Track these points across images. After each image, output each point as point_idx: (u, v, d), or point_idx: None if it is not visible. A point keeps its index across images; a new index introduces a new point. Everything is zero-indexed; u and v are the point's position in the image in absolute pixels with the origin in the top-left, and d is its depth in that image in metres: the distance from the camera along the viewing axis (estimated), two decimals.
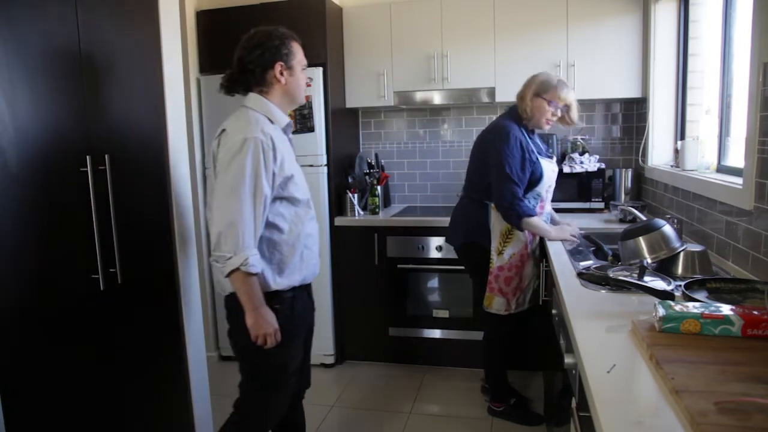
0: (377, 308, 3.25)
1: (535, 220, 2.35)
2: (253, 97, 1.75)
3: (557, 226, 2.44)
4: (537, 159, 2.41)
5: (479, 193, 2.51)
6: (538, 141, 2.56)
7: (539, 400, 2.78)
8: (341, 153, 3.35)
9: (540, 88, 2.39)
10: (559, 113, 2.41)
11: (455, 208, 2.67)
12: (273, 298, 1.71)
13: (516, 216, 2.33)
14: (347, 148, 3.50)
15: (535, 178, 2.40)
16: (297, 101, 1.83)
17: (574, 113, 2.44)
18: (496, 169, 2.35)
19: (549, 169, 2.46)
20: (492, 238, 2.47)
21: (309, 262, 1.81)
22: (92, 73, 1.79)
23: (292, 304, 1.77)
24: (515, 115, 2.46)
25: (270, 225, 1.70)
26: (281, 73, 1.73)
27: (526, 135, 2.44)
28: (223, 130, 1.69)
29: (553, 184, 2.54)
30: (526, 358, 3.08)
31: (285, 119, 1.78)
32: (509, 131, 2.37)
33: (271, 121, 1.73)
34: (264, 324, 1.66)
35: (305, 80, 1.82)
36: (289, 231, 1.73)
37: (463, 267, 2.80)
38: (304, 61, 1.81)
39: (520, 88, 2.47)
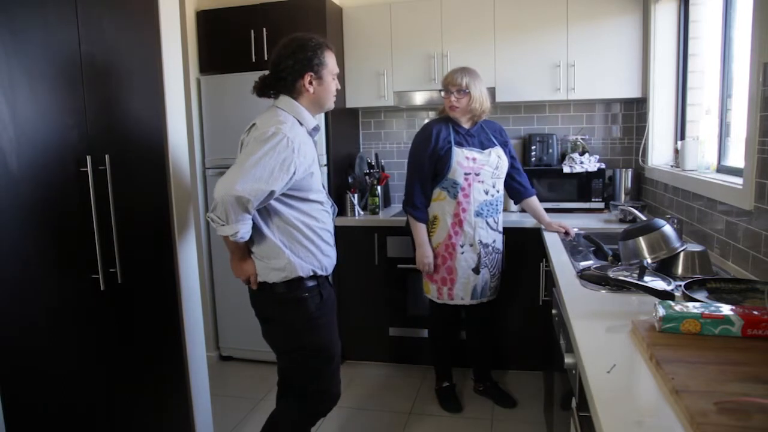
0: (377, 308, 3.25)
1: (415, 223, 2.59)
2: (284, 99, 1.83)
3: (423, 248, 2.59)
4: (449, 149, 2.51)
5: None
6: (487, 131, 2.63)
7: (539, 400, 2.79)
8: (341, 153, 3.35)
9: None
10: (453, 99, 2.50)
11: None
12: (300, 287, 1.82)
13: (409, 204, 2.61)
14: (347, 148, 3.50)
15: (442, 165, 2.52)
16: (325, 107, 1.92)
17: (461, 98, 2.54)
18: (407, 161, 2.67)
19: (463, 157, 2.51)
20: None
21: (327, 253, 1.90)
22: (92, 73, 1.79)
23: (320, 291, 1.87)
24: (442, 114, 2.65)
25: (288, 220, 1.79)
26: (310, 83, 1.81)
27: (450, 128, 2.56)
28: (254, 124, 1.77)
29: (486, 173, 2.55)
30: (526, 358, 3.08)
31: (313, 122, 1.86)
32: (425, 127, 2.62)
33: (300, 123, 1.80)
34: (244, 271, 1.85)
35: (335, 87, 1.90)
36: (306, 225, 1.82)
37: None
38: (336, 70, 1.89)
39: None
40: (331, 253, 1.94)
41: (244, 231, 1.71)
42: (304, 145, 1.76)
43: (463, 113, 2.54)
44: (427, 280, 2.71)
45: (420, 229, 2.59)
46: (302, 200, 1.81)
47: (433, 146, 2.52)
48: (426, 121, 3.65)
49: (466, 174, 2.52)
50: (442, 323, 2.82)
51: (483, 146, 2.57)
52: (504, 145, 2.64)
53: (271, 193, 1.69)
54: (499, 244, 2.67)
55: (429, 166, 2.54)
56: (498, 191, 2.61)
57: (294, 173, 1.71)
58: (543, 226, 2.68)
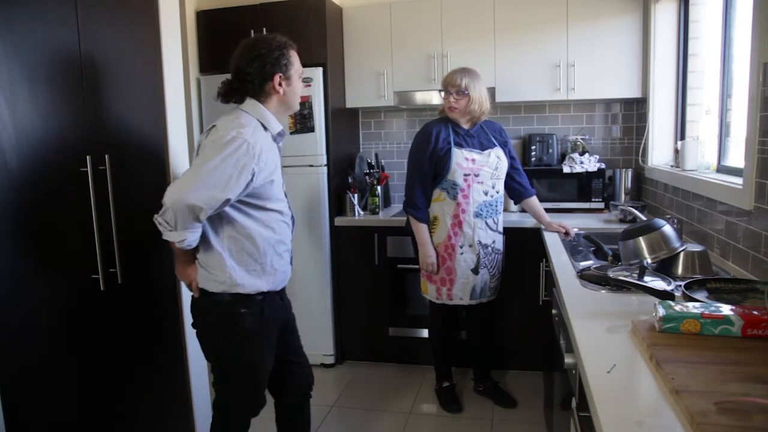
0: (377, 308, 3.25)
1: (417, 224, 2.59)
2: (249, 102, 1.74)
3: (425, 247, 2.59)
4: (449, 150, 2.51)
5: None
6: (487, 132, 2.63)
7: (539, 400, 2.79)
8: (341, 153, 3.34)
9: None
10: (452, 99, 2.51)
11: None
12: (242, 300, 1.73)
13: (409, 204, 2.60)
14: (347, 148, 3.50)
15: (441, 166, 2.52)
16: (292, 109, 1.84)
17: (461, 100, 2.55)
18: (407, 162, 2.68)
19: (462, 158, 2.51)
20: None
21: (279, 269, 1.80)
22: (92, 73, 1.79)
23: (262, 307, 1.77)
24: (441, 115, 2.65)
25: (241, 229, 1.70)
26: (279, 84, 1.73)
27: (450, 129, 2.56)
28: (214, 126, 1.68)
29: (485, 174, 2.54)
30: (526, 358, 3.08)
31: (278, 127, 1.78)
32: (425, 128, 2.60)
33: (265, 128, 1.72)
34: (187, 275, 1.77)
35: (301, 87, 1.83)
36: (260, 236, 1.73)
37: None
38: (302, 69, 1.82)
39: None
40: (285, 267, 1.84)
41: (191, 239, 1.63)
42: (267, 152, 1.67)
43: (462, 114, 2.53)
44: (426, 281, 2.70)
45: (422, 229, 2.59)
46: (260, 209, 1.72)
47: (433, 147, 2.52)
48: (427, 121, 3.65)
49: (465, 175, 2.52)
50: (441, 323, 2.82)
51: (483, 147, 2.57)
52: (504, 146, 2.64)
53: (227, 200, 1.60)
54: (499, 245, 2.67)
55: (429, 166, 2.54)
56: (498, 192, 2.61)
57: (252, 180, 1.62)
58: (543, 226, 2.68)
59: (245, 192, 1.64)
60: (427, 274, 2.67)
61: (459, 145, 2.53)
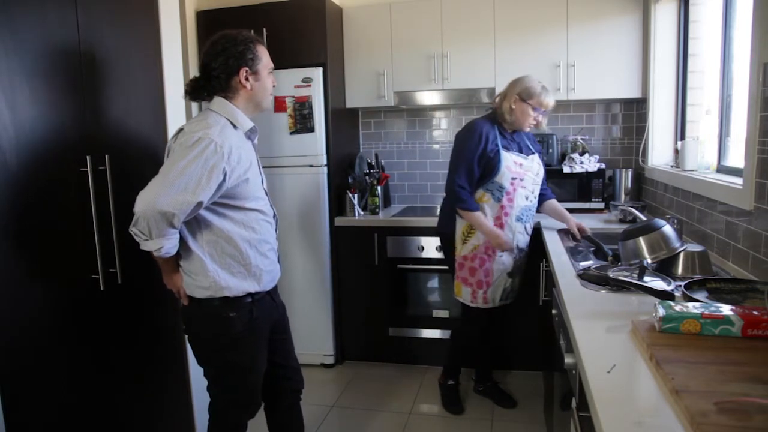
0: (377, 308, 3.25)
1: (472, 214, 2.48)
2: (217, 101, 1.70)
3: (500, 230, 2.51)
4: (498, 152, 2.47)
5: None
6: (524, 138, 2.62)
7: (539, 400, 2.79)
8: (341, 153, 3.34)
9: (525, 93, 2.47)
10: (540, 118, 2.50)
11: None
12: (230, 304, 1.70)
13: (455, 200, 2.50)
14: (347, 148, 3.50)
15: (490, 168, 2.47)
16: (262, 106, 1.78)
17: (546, 119, 2.58)
18: (451, 159, 2.57)
19: (512, 161, 2.49)
20: (456, 227, 2.59)
21: (265, 269, 1.77)
22: (92, 73, 1.79)
23: (251, 309, 1.74)
24: (492, 114, 2.58)
25: (219, 232, 1.67)
26: (246, 79, 1.69)
27: (497, 130, 2.52)
28: (181, 129, 1.65)
29: (528, 179, 2.53)
30: (526, 358, 3.08)
31: (248, 124, 1.73)
32: (474, 127, 2.51)
33: (235, 126, 1.68)
34: (174, 283, 1.74)
35: (272, 84, 1.78)
36: (240, 237, 1.69)
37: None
38: (271, 65, 1.77)
39: (503, 89, 2.56)
40: (272, 267, 1.80)
41: (169, 246, 1.59)
42: (238, 149, 1.62)
43: (520, 126, 2.52)
44: (461, 283, 2.62)
45: (479, 216, 2.48)
46: (237, 209, 1.68)
47: (483, 147, 2.46)
48: (427, 121, 3.65)
49: (512, 178, 2.48)
50: (475, 326, 2.70)
51: (523, 151, 2.56)
52: (539, 153, 2.65)
53: (199, 204, 1.55)
54: (527, 249, 2.65)
55: (478, 167, 2.48)
56: (535, 197, 2.60)
57: (224, 180, 1.58)
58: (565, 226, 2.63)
59: (219, 193, 1.60)
60: (463, 278, 2.61)
61: (506, 148, 2.50)
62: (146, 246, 1.58)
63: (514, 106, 2.47)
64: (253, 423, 1.91)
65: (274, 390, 1.96)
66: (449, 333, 3.01)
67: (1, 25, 1.51)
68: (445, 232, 2.66)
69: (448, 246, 2.67)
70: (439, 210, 2.82)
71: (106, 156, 1.78)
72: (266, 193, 1.80)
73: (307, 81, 3.04)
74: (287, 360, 1.98)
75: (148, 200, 1.51)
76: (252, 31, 3.09)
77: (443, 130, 3.65)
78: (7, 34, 1.53)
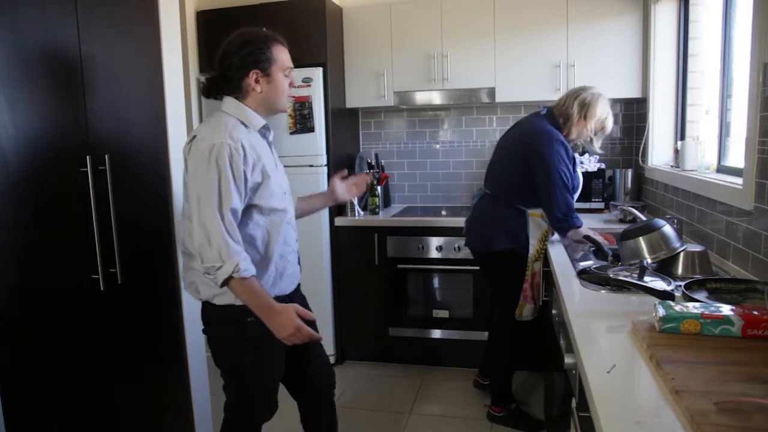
0: (377, 308, 3.25)
1: (585, 229, 2.28)
2: (228, 101, 1.68)
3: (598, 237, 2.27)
4: (574, 165, 2.39)
5: (515, 198, 2.44)
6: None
7: (539, 400, 2.78)
8: (341, 153, 3.34)
9: (594, 115, 2.35)
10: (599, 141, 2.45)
11: (481, 211, 2.57)
12: (248, 309, 1.63)
13: (569, 227, 2.27)
14: (347, 148, 3.50)
15: (573, 187, 2.35)
16: (276, 109, 1.72)
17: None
18: (549, 177, 2.27)
19: (580, 174, 2.46)
20: (530, 246, 2.43)
21: (285, 272, 1.73)
22: (92, 73, 1.79)
23: None
24: (554, 121, 2.38)
25: (245, 236, 1.61)
26: (257, 81, 1.64)
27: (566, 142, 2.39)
28: (194, 136, 1.62)
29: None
30: (525, 357, 3.08)
31: (260, 122, 1.68)
32: (558, 137, 2.30)
33: (246, 126, 1.65)
34: (281, 328, 1.56)
35: (288, 85, 1.71)
36: (262, 240, 1.66)
37: (481, 272, 2.74)
38: (289, 64, 1.70)
39: (567, 98, 2.40)
40: (292, 270, 1.76)
41: (245, 263, 1.51)
42: (252, 147, 1.60)
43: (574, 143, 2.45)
44: (528, 302, 2.47)
45: (585, 230, 2.28)
46: (260, 211, 1.64)
47: (573, 159, 2.36)
48: (427, 120, 3.65)
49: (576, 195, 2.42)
50: (519, 339, 2.59)
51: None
52: None
53: (234, 205, 1.53)
54: None
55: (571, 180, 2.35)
56: None
57: (246, 180, 1.56)
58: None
59: (247, 194, 1.58)
60: (531, 295, 2.46)
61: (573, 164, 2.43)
62: (224, 274, 1.49)
63: (580, 122, 2.34)
64: (286, 421, 1.88)
65: (306, 387, 1.94)
66: (482, 355, 2.91)
67: (1, 25, 1.51)
68: (513, 250, 2.43)
69: (514, 265, 2.45)
70: (482, 223, 2.55)
71: (106, 156, 1.78)
72: (287, 191, 1.76)
73: (307, 81, 3.04)
74: (316, 355, 1.93)
75: (198, 228, 1.50)
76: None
77: (443, 130, 3.65)
78: (8, 35, 1.53)
